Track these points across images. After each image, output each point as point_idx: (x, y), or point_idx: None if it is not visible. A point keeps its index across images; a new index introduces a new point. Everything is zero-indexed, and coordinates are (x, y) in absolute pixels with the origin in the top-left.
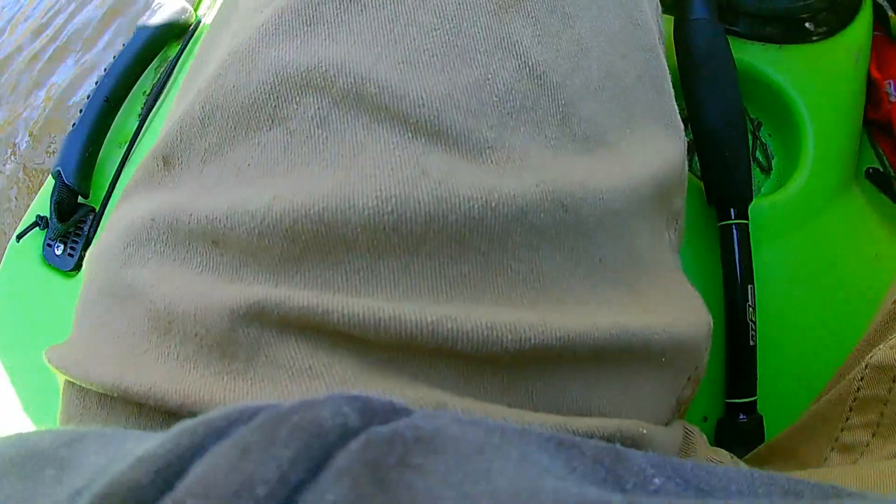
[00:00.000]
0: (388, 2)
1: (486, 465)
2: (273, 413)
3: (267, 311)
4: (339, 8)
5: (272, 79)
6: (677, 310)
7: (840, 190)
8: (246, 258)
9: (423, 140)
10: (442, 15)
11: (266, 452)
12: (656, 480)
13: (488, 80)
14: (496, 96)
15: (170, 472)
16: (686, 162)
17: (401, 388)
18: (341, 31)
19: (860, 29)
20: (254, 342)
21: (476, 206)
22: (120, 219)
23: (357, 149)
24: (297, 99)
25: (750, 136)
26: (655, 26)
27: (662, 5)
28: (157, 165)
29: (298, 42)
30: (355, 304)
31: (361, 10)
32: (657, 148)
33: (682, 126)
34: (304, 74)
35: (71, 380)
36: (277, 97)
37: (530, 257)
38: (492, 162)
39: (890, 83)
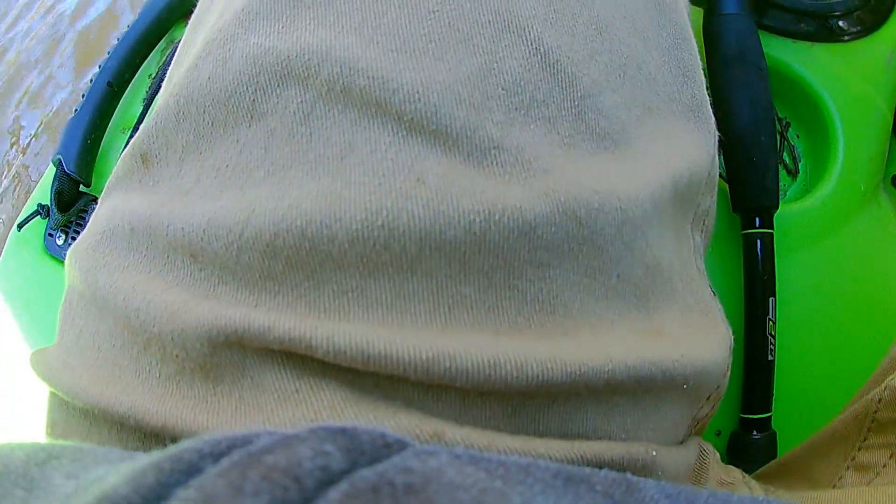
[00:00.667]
0: None
1: None
2: (244, 454)
3: (246, 340)
4: None
5: (250, 69)
6: (697, 331)
7: (868, 198)
8: (225, 274)
9: (419, 140)
10: None
11: (232, 502)
12: None
13: (494, 69)
14: (503, 88)
15: None
16: (717, 158)
17: (394, 414)
18: (329, 13)
19: (894, 30)
20: (238, 364)
21: (478, 220)
22: (101, 219)
23: (344, 150)
24: (278, 91)
25: (777, 137)
26: (685, 8)
27: None
28: (136, 163)
29: (280, 27)
30: (342, 337)
31: None
32: (683, 144)
33: (712, 118)
34: (284, 63)
35: (54, 391)
36: (256, 89)
37: (540, 277)
38: (497, 166)
39: None
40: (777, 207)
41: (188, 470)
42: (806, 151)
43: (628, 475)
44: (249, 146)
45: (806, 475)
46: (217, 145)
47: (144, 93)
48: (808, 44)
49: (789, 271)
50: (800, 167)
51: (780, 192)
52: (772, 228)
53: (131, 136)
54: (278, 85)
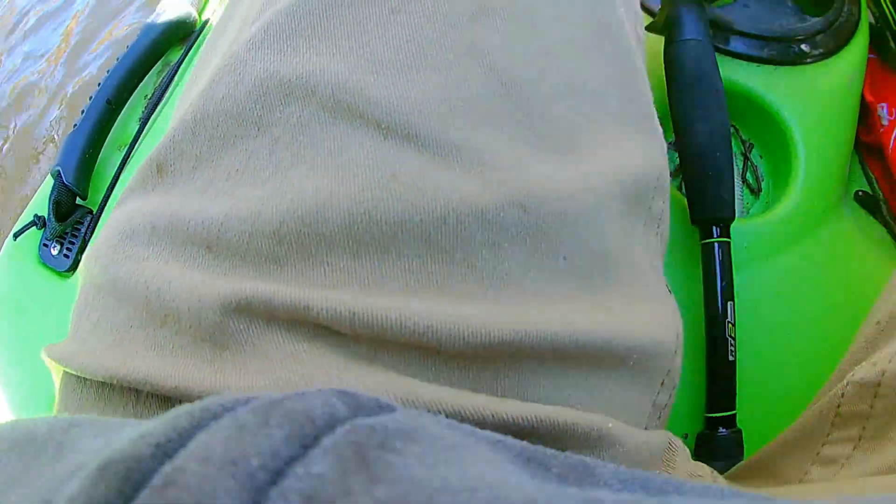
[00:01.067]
0: (364, 18)
1: (460, 457)
2: (268, 399)
3: (254, 306)
4: (320, 24)
5: (258, 89)
6: (643, 313)
7: (829, 213)
8: (236, 259)
9: (395, 143)
10: (413, 28)
11: (261, 430)
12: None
13: (456, 86)
14: (464, 101)
15: (170, 446)
16: (666, 166)
17: (375, 373)
18: (322, 44)
19: (856, 52)
20: (243, 333)
21: (439, 207)
22: (118, 220)
23: (335, 153)
24: (281, 108)
25: (741, 158)
26: (633, 32)
27: (654, 27)
28: (151, 172)
29: (282, 55)
30: (333, 300)
31: (339, 25)
32: (627, 151)
33: (659, 130)
34: (286, 85)
35: (70, 371)
36: (262, 106)
37: (493, 256)
38: (458, 164)
39: (883, 106)
40: (733, 218)
41: (217, 416)
42: (769, 171)
43: (587, 459)
44: (257, 153)
45: (773, 473)
46: (228, 153)
47: (140, 113)
48: (771, 67)
49: (754, 280)
50: (763, 186)
51: (744, 210)
52: (729, 238)
53: (127, 154)
54: (281, 102)
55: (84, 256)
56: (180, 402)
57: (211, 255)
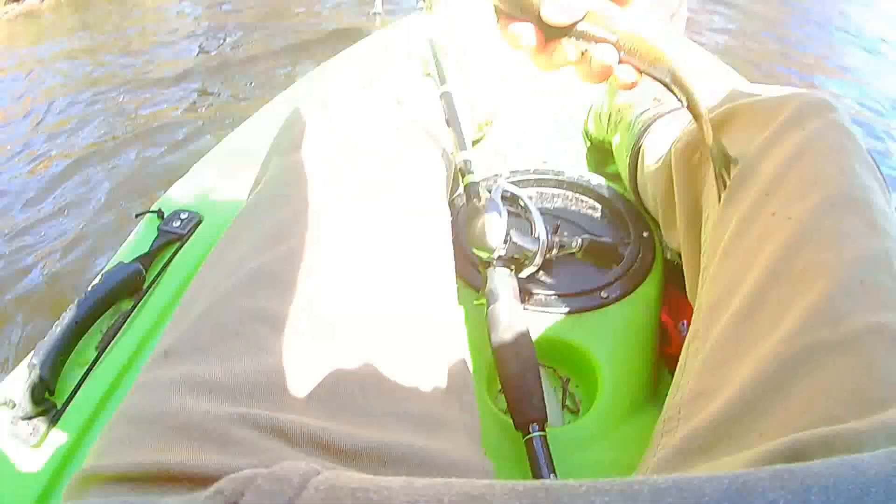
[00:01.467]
0: (288, 281)
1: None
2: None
3: (246, 420)
4: (269, 282)
5: (238, 314)
6: (455, 455)
7: (633, 413)
8: (229, 399)
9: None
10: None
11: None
12: None
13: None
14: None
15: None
16: (471, 390)
17: (309, 459)
18: (268, 294)
19: (651, 288)
20: (238, 434)
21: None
22: (141, 386)
23: (280, 350)
24: (251, 325)
25: (561, 390)
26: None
27: (479, 300)
28: (160, 356)
29: (250, 299)
30: (288, 419)
31: (276, 282)
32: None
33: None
34: (253, 314)
35: (117, 474)
36: (241, 323)
37: (362, 412)
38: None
39: (683, 323)
40: (545, 418)
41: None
42: (584, 394)
43: None
44: (237, 346)
45: None
46: (219, 346)
47: (97, 342)
48: (579, 315)
49: (575, 462)
50: (581, 407)
51: (566, 424)
52: (545, 432)
53: (85, 375)
54: (252, 322)
55: (114, 416)
56: (201, 481)
57: (213, 394)
